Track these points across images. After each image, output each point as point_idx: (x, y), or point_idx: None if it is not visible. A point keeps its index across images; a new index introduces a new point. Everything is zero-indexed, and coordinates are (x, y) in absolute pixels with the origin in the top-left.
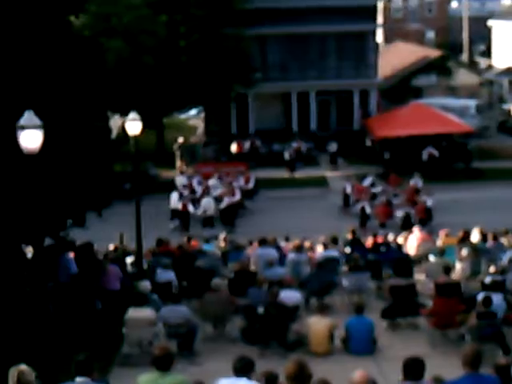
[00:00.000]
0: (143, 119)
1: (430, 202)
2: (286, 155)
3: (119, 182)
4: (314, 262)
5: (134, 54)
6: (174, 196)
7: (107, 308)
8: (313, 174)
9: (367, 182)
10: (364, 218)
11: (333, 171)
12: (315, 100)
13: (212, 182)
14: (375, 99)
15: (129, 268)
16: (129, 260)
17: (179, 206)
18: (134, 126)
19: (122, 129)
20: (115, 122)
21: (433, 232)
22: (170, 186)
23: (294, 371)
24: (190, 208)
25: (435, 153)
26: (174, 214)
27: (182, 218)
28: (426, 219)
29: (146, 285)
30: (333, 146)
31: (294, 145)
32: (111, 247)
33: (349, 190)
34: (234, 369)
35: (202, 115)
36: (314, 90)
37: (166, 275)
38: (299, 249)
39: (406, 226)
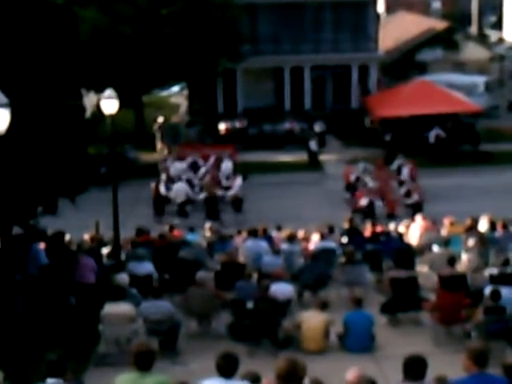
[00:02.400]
0: (120, 97)
1: (398, 195)
2: (313, 146)
3: (94, 165)
4: (309, 253)
5: (110, 25)
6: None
7: (81, 303)
8: (306, 157)
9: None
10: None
11: (320, 154)
12: (309, 76)
13: (180, 165)
14: (375, 75)
15: (105, 260)
16: (105, 251)
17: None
18: (110, 104)
19: (97, 107)
20: (90, 99)
21: (437, 220)
22: (150, 169)
23: (286, 370)
24: (162, 191)
25: (443, 135)
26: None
27: (156, 202)
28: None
29: (123, 278)
30: (319, 126)
31: (287, 125)
32: (86, 237)
33: (353, 178)
34: (217, 367)
35: (185, 92)
36: (308, 64)
37: (146, 267)
38: (292, 239)
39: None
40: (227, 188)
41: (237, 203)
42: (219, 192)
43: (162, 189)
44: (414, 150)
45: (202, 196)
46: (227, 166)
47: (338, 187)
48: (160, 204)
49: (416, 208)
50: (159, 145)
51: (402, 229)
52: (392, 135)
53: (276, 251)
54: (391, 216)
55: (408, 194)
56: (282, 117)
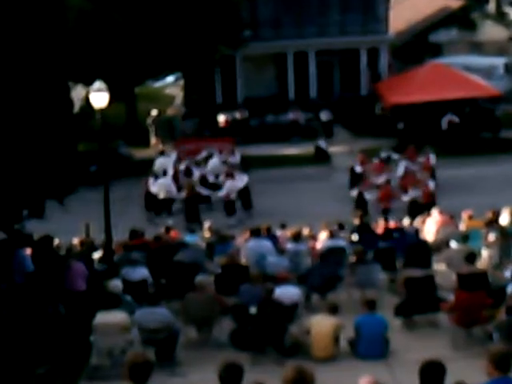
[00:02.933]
0: (111, 89)
1: (432, 185)
2: (322, 144)
3: (84, 163)
4: (316, 252)
5: (98, 11)
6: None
7: (72, 312)
8: (312, 149)
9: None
10: (361, 205)
11: (327, 145)
12: (315, 61)
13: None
14: (386, 59)
15: (96, 265)
16: (96, 255)
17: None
18: (99, 97)
19: (86, 101)
20: (78, 93)
21: (455, 214)
22: (144, 167)
23: (294, 380)
24: (154, 189)
25: (456, 120)
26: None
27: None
28: (431, 204)
29: (117, 284)
30: (325, 115)
31: (291, 116)
32: (75, 241)
33: (358, 169)
34: (219, 378)
35: (181, 83)
36: (313, 49)
37: (141, 272)
38: (298, 237)
39: (413, 212)
40: (215, 187)
41: (229, 206)
42: (203, 191)
43: (151, 185)
44: (428, 138)
45: (181, 195)
46: (215, 162)
47: (347, 181)
48: (150, 202)
49: (412, 206)
50: (153, 140)
51: (417, 224)
52: (405, 123)
53: (281, 251)
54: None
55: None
56: (286, 107)
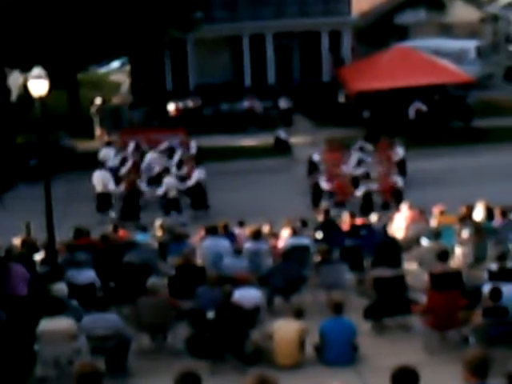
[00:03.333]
0: (51, 76)
1: (400, 182)
2: (282, 134)
3: (23, 157)
4: (278, 251)
5: None
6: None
7: (13, 319)
8: (271, 140)
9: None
10: (317, 195)
11: (287, 135)
12: (272, 45)
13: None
14: (349, 42)
15: (39, 267)
16: (38, 257)
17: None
18: (39, 84)
19: (24, 89)
20: (15, 80)
21: (425, 209)
22: (89, 160)
23: None
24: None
25: (424, 108)
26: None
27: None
28: (389, 203)
29: (61, 288)
30: (284, 102)
31: (247, 104)
32: (15, 241)
33: (316, 158)
34: None
35: (128, 68)
36: (270, 32)
37: (87, 275)
38: (258, 235)
39: (366, 208)
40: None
41: (168, 204)
42: (143, 186)
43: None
44: (396, 128)
45: (120, 189)
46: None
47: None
48: (102, 199)
49: (365, 200)
50: (98, 131)
51: (385, 220)
52: (371, 112)
53: (239, 251)
54: (386, 206)
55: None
56: (242, 94)
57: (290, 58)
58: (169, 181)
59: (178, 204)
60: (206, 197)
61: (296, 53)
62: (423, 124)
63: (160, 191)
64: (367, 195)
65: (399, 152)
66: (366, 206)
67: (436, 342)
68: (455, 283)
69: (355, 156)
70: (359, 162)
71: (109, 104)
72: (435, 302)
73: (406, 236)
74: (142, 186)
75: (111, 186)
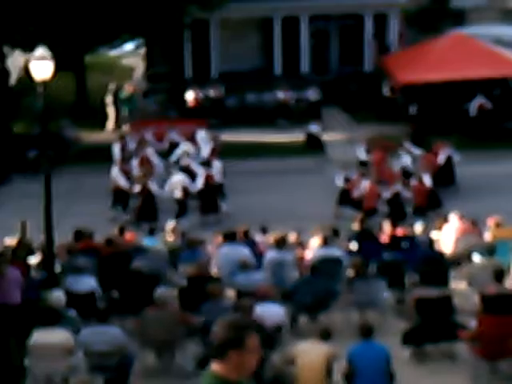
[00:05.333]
0: (56, 57)
1: (427, 180)
2: (314, 128)
3: (20, 147)
4: (306, 263)
5: None
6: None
7: (3, 330)
8: (303, 136)
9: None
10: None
11: (321, 131)
12: (308, 29)
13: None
14: (396, 27)
15: (34, 272)
16: (34, 260)
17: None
18: (42, 66)
19: (26, 71)
20: (15, 61)
21: (479, 221)
22: (96, 153)
23: None
24: (123, 183)
25: (488, 105)
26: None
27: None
28: (426, 207)
29: (58, 296)
30: (312, 94)
31: (278, 95)
32: (9, 242)
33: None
34: None
35: (142, 51)
36: (306, 13)
37: (88, 282)
38: (282, 244)
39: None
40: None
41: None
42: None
43: (123, 182)
44: (448, 126)
45: (136, 190)
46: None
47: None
48: (119, 197)
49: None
50: (111, 121)
51: (433, 232)
52: (419, 107)
53: (261, 261)
54: (421, 211)
55: None
56: (272, 84)
57: (327, 44)
58: (175, 179)
59: (183, 206)
60: (218, 199)
61: (334, 38)
62: (486, 123)
63: (165, 191)
64: (395, 199)
65: (449, 155)
66: (396, 213)
67: (486, 374)
68: (511, 307)
69: (402, 160)
70: (404, 171)
71: (121, 91)
72: (486, 328)
73: (455, 251)
74: (153, 186)
75: (124, 183)
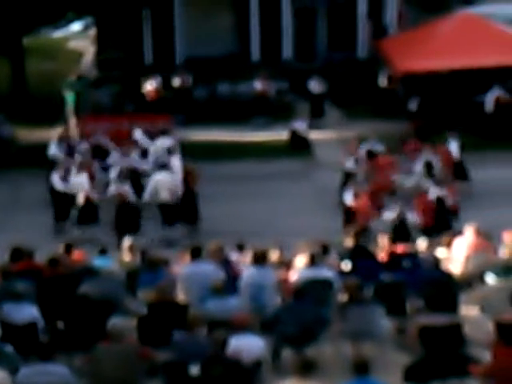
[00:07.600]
0: None
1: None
2: (299, 125)
3: None
4: (290, 286)
5: None
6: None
7: None
8: (285, 134)
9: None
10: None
11: (317, 129)
12: (291, 7)
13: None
14: (395, 6)
15: None
16: None
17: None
18: None
19: None
20: None
21: (493, 235)
22: (37, 154)
23: None
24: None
25: (507, 98)
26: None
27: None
28: (436, 227)
29: None
30: (316, 85)
31: (256, 85)
32: None
33: (350, 164)
34: None
35: (92, 33)
36: None
37: (27, 311)
38: (262, 260)
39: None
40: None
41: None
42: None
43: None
44: (457, 122)
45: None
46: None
47: (336, 182)
48: (61, 206)
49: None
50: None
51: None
52: (421, 100)
53: (237, 283)
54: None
55: None
56: (248, 72)
57: (313, 26)
58: (160, 179)
59: (169, 211)
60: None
61: (322, 18)
62: (503, 119)
63: (147, 194)
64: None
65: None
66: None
67: None
68: None
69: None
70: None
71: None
72: (503, 362)
73: (466, 270)
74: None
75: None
